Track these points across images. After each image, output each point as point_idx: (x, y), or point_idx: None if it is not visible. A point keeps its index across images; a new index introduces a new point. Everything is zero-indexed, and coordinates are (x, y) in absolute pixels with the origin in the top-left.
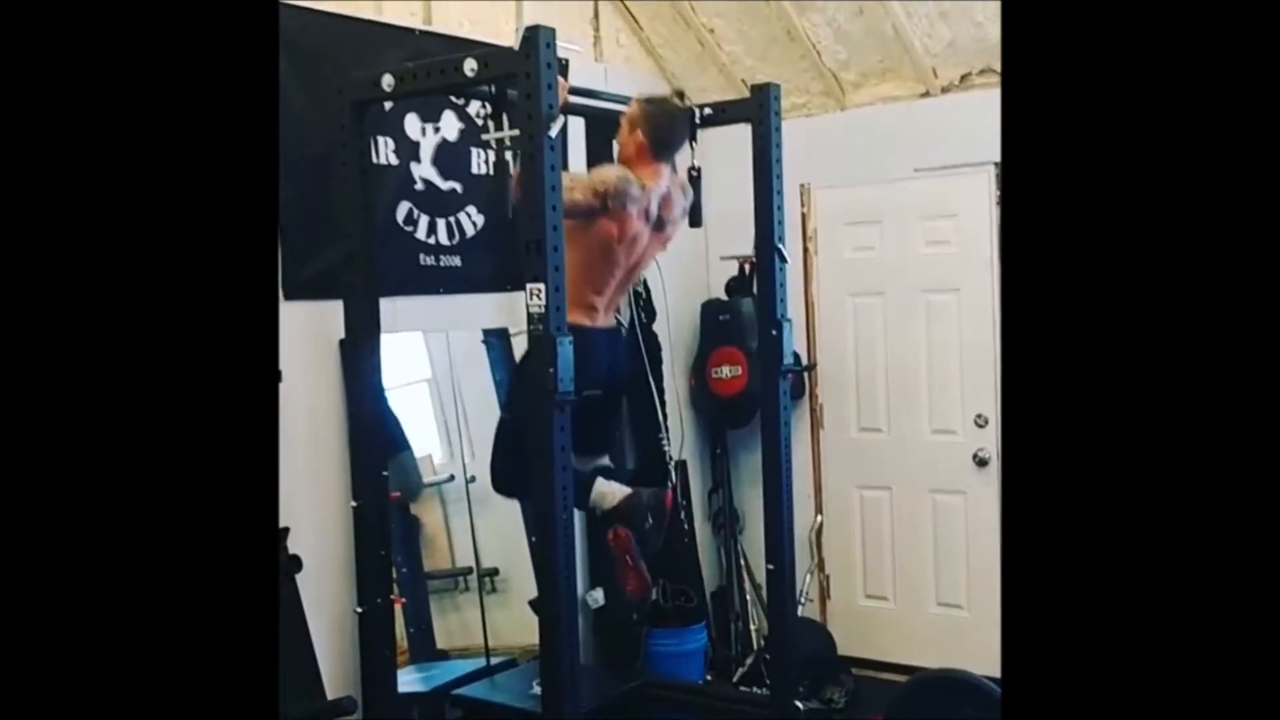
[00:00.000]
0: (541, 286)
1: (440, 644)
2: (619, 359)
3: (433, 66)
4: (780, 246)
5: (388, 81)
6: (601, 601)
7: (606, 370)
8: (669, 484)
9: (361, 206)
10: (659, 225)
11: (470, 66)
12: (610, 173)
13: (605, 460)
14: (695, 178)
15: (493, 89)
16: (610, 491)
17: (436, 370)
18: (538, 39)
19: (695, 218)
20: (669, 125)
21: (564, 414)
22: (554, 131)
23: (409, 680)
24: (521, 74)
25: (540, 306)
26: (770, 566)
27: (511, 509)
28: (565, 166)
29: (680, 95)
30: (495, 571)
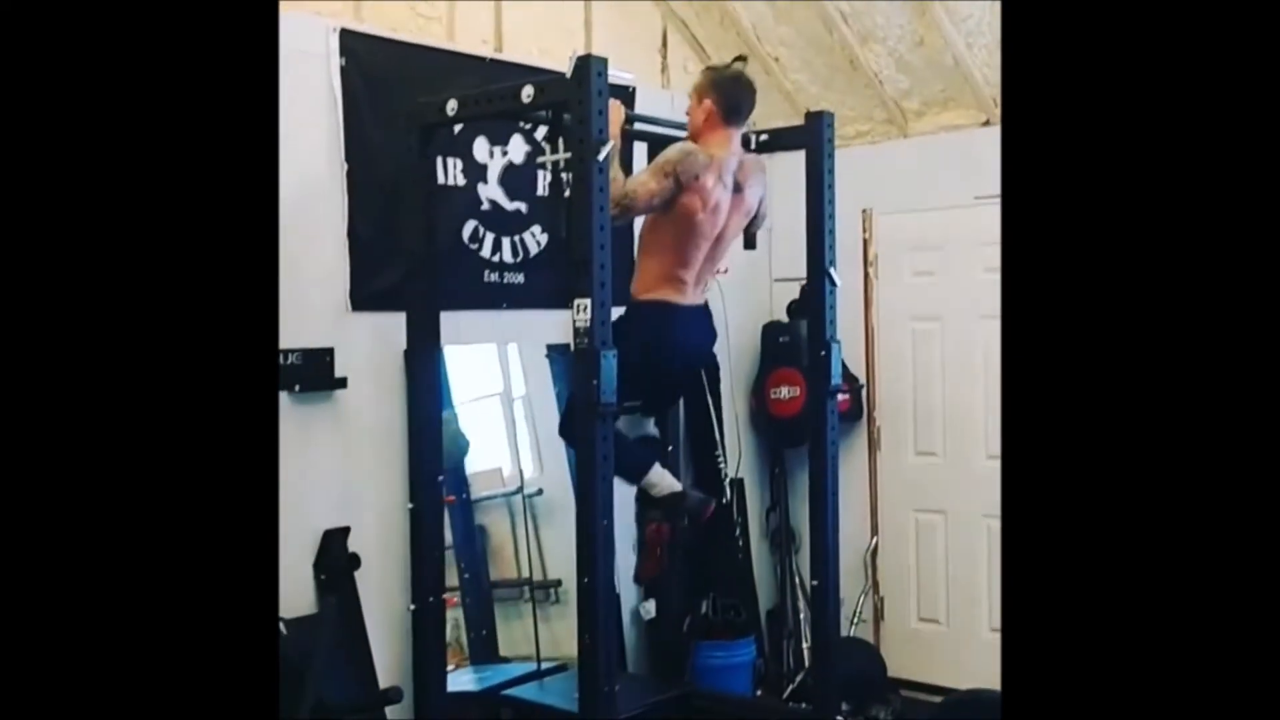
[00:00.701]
0: (588, 302)
1: (504, 651)
2: (706, 337)
3: (494, 93)
4: (831, 270)
5: (452, 106)
6: (653, 613)
7: (693, 347)
8: (722, 498)
9: (425, 225)
10: (737, 190)
11: (527, 93)
12: (670, 151)
13: (652, 427)
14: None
15: (549, 114)
16: (662, 483)
17: (507, 383)
18: (589, 68)
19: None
20: (735, 89)
21: (606, 424)
22: (603, 155)
23: (464, 680)
24: (574, 100)
25: (586, 321)
26: (815, 582)
27: None
28: None
29: (743, 59)
30: (558, 583)
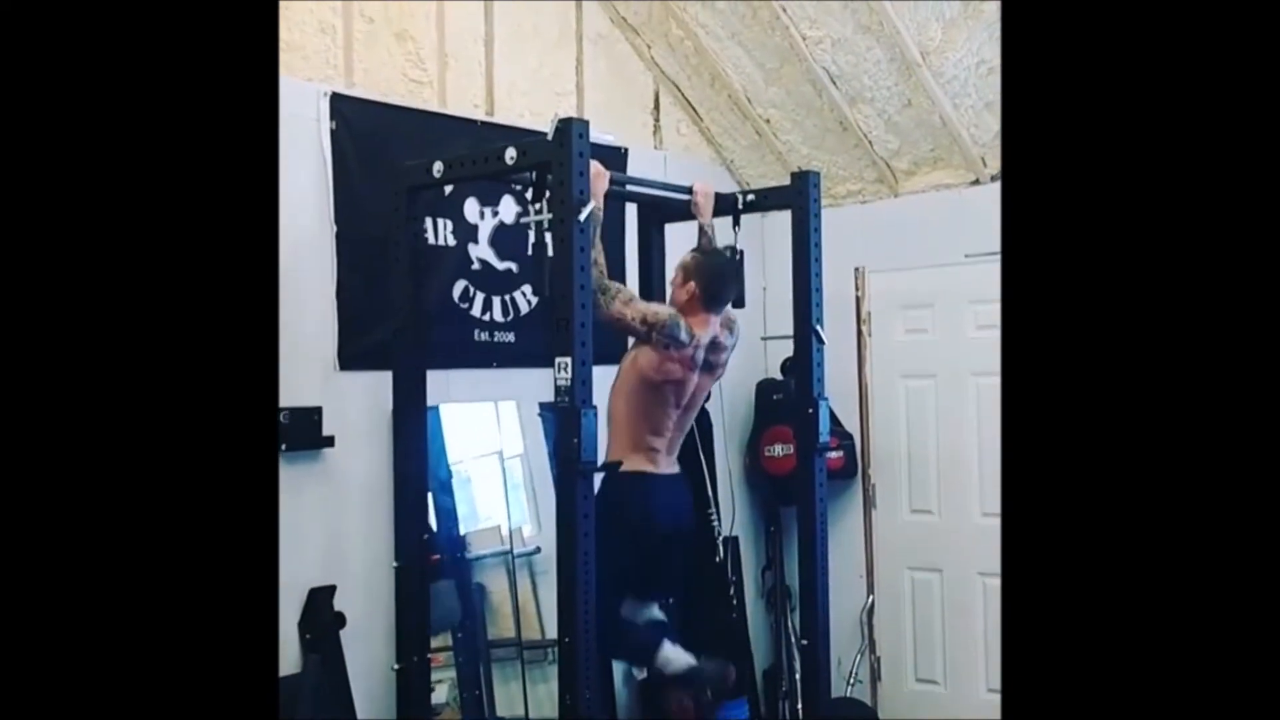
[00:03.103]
0: (569, 360)
1: (503, 711)
2: (684, 507)
3: (478, 155)
4: (818, 328)
5: (438, 168)
6: (646, 674)
7: (672, 519)
8: (715, 556)
9: (412, 284)
10: (708, 368)
11: (510, 155)
12: (664, 311)
13: (657, 612)
14: (739, 260)
15: (534, 175)
16: (676, 659)
17: (504, 441)
18: (570, 130)
19: (739, 299)
20: (720, 279)
21: (587, 482)
22: (583, 216)
23: None
24: (555, 162)
25: (567, 380)
26: (805, 642)
27: None
28: (622, 248)
29: (733, 251)
30: (555, 642)
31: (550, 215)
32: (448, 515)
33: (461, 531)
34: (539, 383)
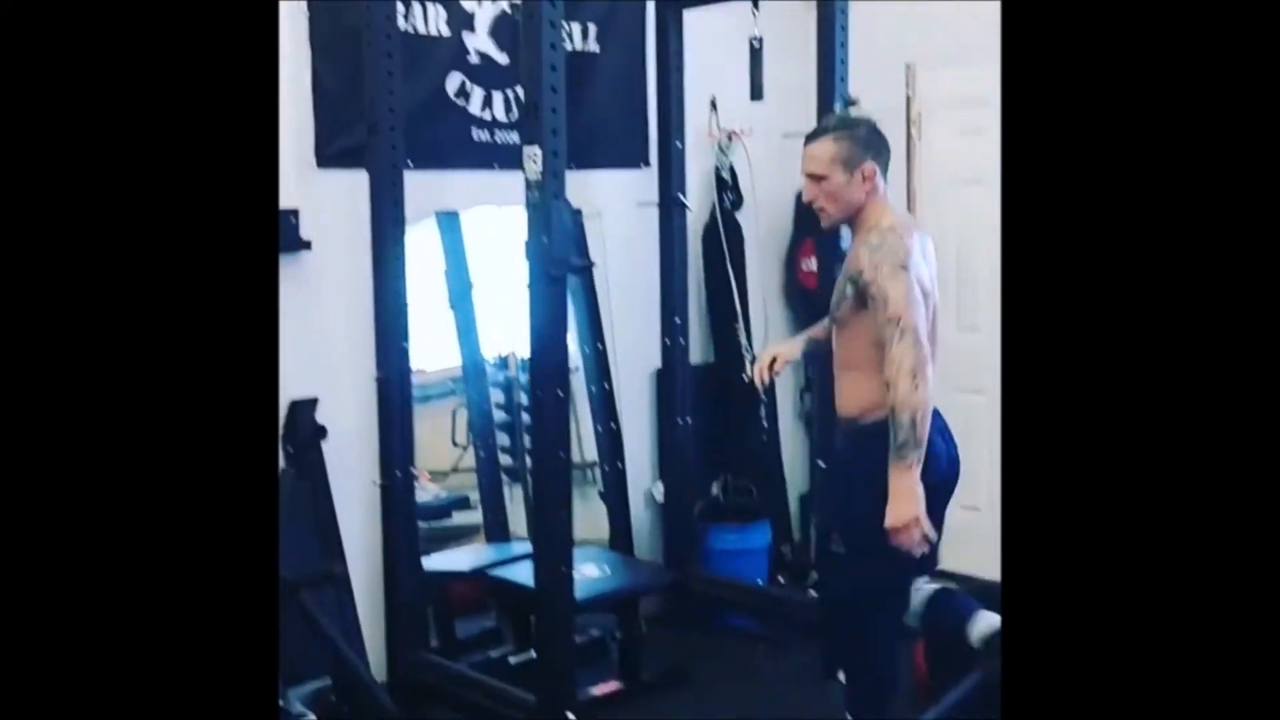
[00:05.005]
0: (538, 150)
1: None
2: None
3: None
4: None
5: None
6: (663, 498)
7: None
8: (743, 374)
9: (385, 73)
10: None
11: None
12: (893, 245)
13: None
14: (757, 49)
15: None
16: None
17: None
18: None
19: (756, 91)
20: (883, 139)
21: (559, 286)
22: None
23: (458, 560)
24: None
25: (538, 172)
26: (821, 464)
27: None
28: (643, 48)
29: (854, 101)
30: (594, 464)
31: None
32: (468, 332)
33: (500, 351)
34: None
